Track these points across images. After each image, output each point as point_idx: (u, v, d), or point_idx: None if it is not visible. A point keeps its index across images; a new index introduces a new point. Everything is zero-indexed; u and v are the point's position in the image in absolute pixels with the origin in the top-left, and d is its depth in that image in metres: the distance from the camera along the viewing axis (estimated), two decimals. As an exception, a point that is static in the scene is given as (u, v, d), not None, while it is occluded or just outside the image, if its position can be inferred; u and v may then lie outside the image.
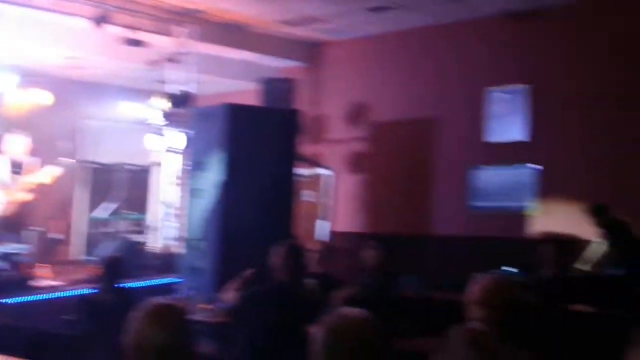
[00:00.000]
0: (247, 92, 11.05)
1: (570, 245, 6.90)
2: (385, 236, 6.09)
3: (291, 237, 6.98)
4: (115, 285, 5.64)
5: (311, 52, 11.22)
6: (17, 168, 8.28)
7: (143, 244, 9.54)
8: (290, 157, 8.25)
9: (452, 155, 9.62)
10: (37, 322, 6.35)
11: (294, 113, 8.58)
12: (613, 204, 7.56)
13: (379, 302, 4.35)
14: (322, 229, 10.75)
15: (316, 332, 2.48)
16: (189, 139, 8.64)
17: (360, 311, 2.50)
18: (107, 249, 8.32)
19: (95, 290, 5.65)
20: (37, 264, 7.46)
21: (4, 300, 6.61)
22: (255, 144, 7.82)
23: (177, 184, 9.80)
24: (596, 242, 7.70)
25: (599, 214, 7.55)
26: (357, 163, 10.63)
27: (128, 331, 2.64)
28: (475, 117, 9.36)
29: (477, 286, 2.99)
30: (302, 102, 10.51)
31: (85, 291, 6.06)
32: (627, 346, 3.70)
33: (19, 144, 8.39)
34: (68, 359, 4.87)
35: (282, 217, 7.87)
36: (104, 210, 10.88)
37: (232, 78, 11.27)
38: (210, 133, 7.82)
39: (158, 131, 9.30)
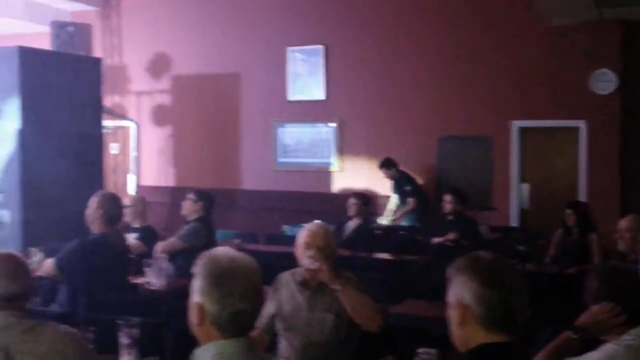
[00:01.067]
0: (34, 35, 10.33)
1: (370, 199, 7.56)
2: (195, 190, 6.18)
3: (101, 188, 6.78)
4: None
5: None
6: None
7: None
8: (94, 107, 8.00)
9: (256, 112, 9.90)
10: None
11: (94, 60, 8.32)
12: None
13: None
14: (132, 183, 10.53)
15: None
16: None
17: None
18: None
19: None
20: None
21: None
22: (54, 91, 7.49)
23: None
24: (393, 196, 8.50)
25: (387, 167, 8.32)
26: (161, 116, 10.48)
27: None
28: (278, 75, 9.69)
29: (304, 232, 3.49)
30: (99, 50, 10.10)
31: None
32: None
33: None
34: None
35: (90, 168, 7.68)
36: None
37: (18, 19, 10.38)
38: (2, 77, 7.27)
39: None
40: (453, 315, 2.08)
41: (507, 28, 8.59)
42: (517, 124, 8.61)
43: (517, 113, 8.59)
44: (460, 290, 2.05)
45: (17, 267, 2.63)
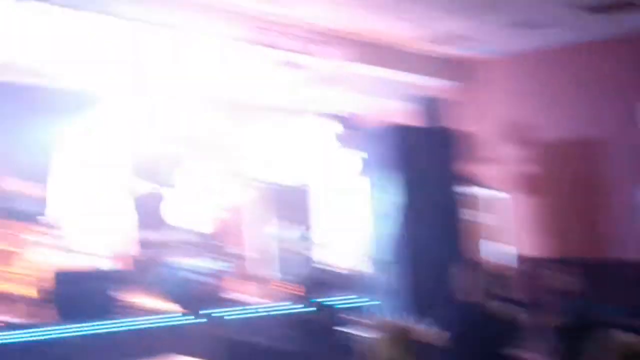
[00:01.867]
0: (402, 112, 11.33)
1: None
2: (565, 260, 6.07)
3: (467, 259, 7.11)
4: (316, 301, 6.01)
5: (463, 70, 11.28)
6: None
7: (325, 262, 9.92)
8: (455, 177, 8.44)
9: (617, 174, 9.55)
10: (251, 337, 6.85)
11: (455, 132, 8.75)
12: None
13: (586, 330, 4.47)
14: (488, 251, 10.78)
15: None
16: (359, 159, 8.95)
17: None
18: (298, 267, 8.79)
19: (300, 307, 6.04)
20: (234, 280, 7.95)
21: (215, 314, 7.20)
22: (425, 164, 8.08)
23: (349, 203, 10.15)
24: None
25: None
26: (525, 184, 10.63)
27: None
28: (633, 134, 9.26)
29: None
30: (458, 122, 10.65)
31: (291, 308, 6.44)
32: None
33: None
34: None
35: (453, 238, 8.05)
36: (283, 229, 11.42)
37: (386, 98, 11.47)
38: (384, 154, 8.11)
39: (328, 151, 9.68)
40: None
41: None
42: None
43: None
44: None
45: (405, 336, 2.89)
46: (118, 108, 8.90)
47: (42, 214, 8.06)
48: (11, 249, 8.06)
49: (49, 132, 8.32)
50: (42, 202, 8.12)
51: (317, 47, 9.38)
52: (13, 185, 8.92)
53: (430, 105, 9.13)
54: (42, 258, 7.92)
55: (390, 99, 11.41)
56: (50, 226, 8.14)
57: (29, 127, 8.74)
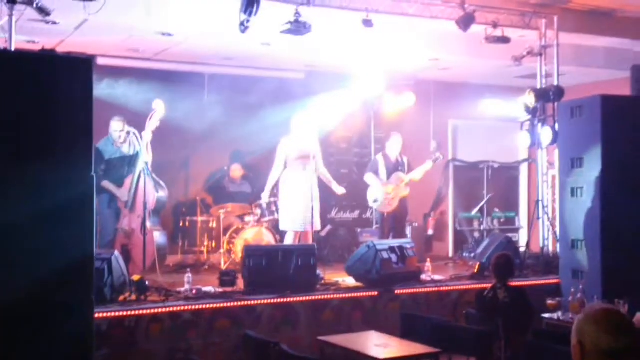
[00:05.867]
0: (614, 82, 10.46)
1: None
2: None
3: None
4: (507, 283, 5.76)
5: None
6: (397, 166, 9.04)
7: (516, 242, 9.61)
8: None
9: None
10: (435, 313, 6.78)
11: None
12: None
13: None
14: None
15: None
16: (557, 134, 8.42)
17: None
18: (488, 247, 8.53)
19: (488, 287, 5.81)
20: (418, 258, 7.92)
21: (399, 292, 7.20)
22: (636, 138, 7.33)
23: (546, 182, 9.64)
24: None
25: None
26: None
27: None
28: None
29: None
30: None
31: (479, 288, 6.24)
32: None
33: (396, 144, 9.13)
34: (471, 351, 5.10)
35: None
36: (471, 208, 11.25)
37: (597, 67, 10.72)
38: (583, 128, 7.53)
39: (524, 128, 9.23)
40: None
41: None
42: None
43: None
44: None
45: (621, 321, 2.59)
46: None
47: (259, 198, 8.78)
48: (233, 227, 9.09)
49: (277, 120, 9.01)
50: (260, 187, 8.79)
51: (522, 19, 9.02)
52: (238, 172, 9.87)
53: (643, 72, 8.32)
54: (254, 235, 8.76)
55: (600, 68, 10.70)
56: (264, 208, 8.88)
57: (262, 115, 9.62)
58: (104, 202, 7.89)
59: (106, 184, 7.88)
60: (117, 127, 7.99)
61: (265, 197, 8.51)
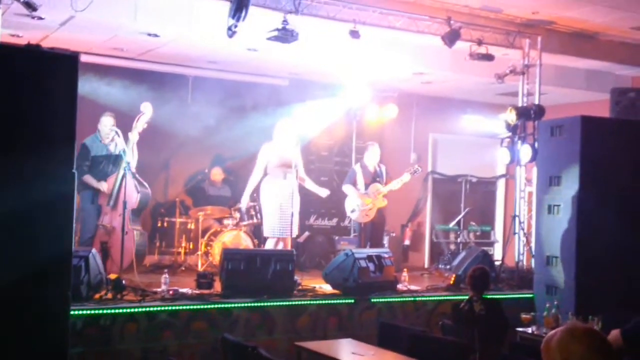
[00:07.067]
0: (594, 103, 10.66)
1: None
2: None
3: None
4: (483, 296, 5.81)
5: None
6: (375, 176, 9.09)
7: (492, 256, 9.70)
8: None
9: None
10: (411, 323, 6.83)
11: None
12: None
13: None
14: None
15: None
16: (536, 152, 8.55)
17: None
18: (464, 259, 8.60)
19: (464, 299, 5.86)
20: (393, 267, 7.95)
21: (375, 300, 7.24)
22: (613, 159, 7.46)
23: (523, 198, 9.75)
24: None
25: None
26: None
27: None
28: None
29: None
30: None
31: (455, 299, 6.30)
32: None
33: (374, 154, 9.18)
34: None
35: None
36: (448, 220, 11.33)
37: (578, 88, 10.91)
38: (563, 147, 7.65)
39: (504, 144, 9.35)
40: None
41: None
42: None
43: None
44: None
45: (605, 340, 2.61)
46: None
47: (238, 202, 8.80)
48: (211, 229, 9.07)
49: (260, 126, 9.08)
50: (239, 191, 8.84)
51: (507, 38, 9.16)
52: (219, 175, 9.92)
53: (626, 96, 8.48)
54: (232, 239, 8.73)
55: (580, 89, 10.89)
56: (243, 212, 8.89)
57: (245, 120, 9.66)
58: (87, 198, 7.87)
59: (88, 178, 7.83)
60: (108, 122, 7.92)
61: (244, 202, 8.54)
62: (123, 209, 7.38)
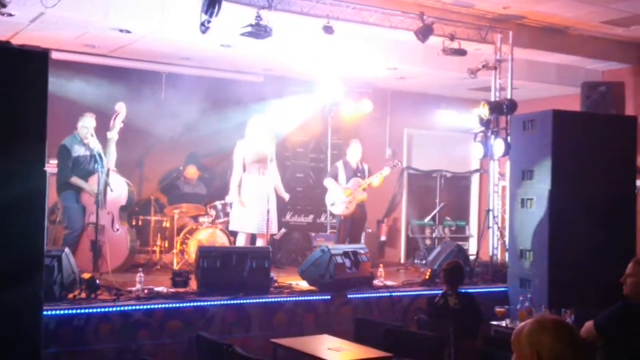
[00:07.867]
0: (565, 97, 10.77)
1: None
2: None
3: (633, 254, 6.61)
4: (457, 290, 5.86)
5: (633, 52, 10.52)
6: (357, 173, 9.11)
7: (467, 250, 9.77)
8: (627, 168, 7.81)
9: None
10: (387, 318, 6.85)
11: (627, 119, 8.12)
12: None
13: None
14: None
15: None
16: (509, 147, 8.62)
17: None
18: (439, 254, 8.65)
19: (439, 294, 5.90)
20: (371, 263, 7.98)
21: (351, 296, 7.25)
22: (585, 152, 7.56)
23: (497, 192, 9.83)
24: None
25: None
26: None
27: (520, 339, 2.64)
28: None
29: None
30: (631, 108, 9.90)
31: (430, 294, 6.34)
32: None
33: (356, 151, 9.20)
34: (422, 356, 5.17)
35: (619, 232, 7.46)
36: (424, 215, 11.39)
37: (549, 83, 11.03)
38: (535, 140, 7.72)
39: (477, 139, 9.42)
40: None
41: None
42: None
43: None
44: None
45: (574, 332, 2.63)
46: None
47: (213, 199, 8.88)
48: (187, 227, 9.04)
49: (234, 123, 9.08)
50: (215, 188, 8.93)
51: (479, 33, 9.20)
52: (194, 173, 9.87)
53: (596, 90, 8.57)
54: (208, 237, 8.73)
55: (552, 83, 10.99)
56: (218, 210, 8.92)
57: (219, 117, 9.61)
58: (72, 197, 7.85)
59: (75, 179, 7.82)
60: (89, 123, 7.85)
61: (233, 197, 8.25)
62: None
